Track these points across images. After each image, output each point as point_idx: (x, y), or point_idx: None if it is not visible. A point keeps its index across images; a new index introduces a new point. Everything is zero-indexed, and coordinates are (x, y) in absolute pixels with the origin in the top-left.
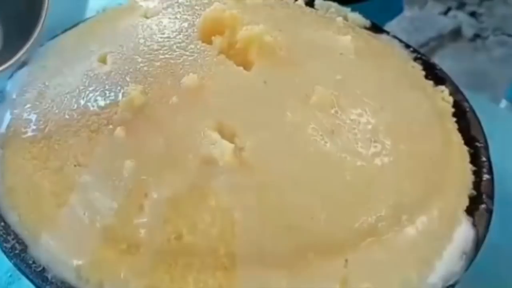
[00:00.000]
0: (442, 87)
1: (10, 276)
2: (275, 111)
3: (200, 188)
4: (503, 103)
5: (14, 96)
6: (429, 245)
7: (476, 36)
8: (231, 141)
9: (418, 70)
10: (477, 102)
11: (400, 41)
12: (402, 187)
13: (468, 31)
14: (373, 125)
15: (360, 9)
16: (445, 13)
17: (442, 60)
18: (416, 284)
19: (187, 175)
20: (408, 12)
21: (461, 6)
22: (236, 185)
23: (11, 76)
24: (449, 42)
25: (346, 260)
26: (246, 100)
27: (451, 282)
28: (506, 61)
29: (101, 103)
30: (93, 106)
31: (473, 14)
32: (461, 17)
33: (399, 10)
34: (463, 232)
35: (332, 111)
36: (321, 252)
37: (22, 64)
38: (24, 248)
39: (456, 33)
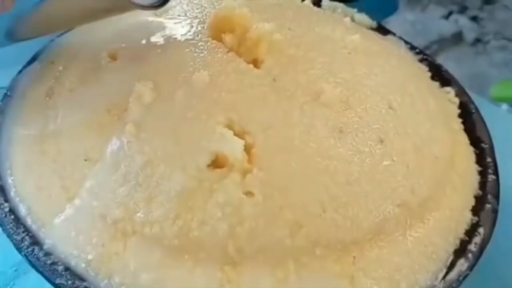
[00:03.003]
0: (448, 89)
1: (16, 270)
2: (285, 109)
3: (210, 184)
4: (504, 106)
5: (23, 91)
6: (435, 244)
7: (477, 40)
8: (241, 138)
9: (424, 71)
10: (478, 104)
11: (406, 42)
12: (409, 187)
13: (469, 35)
14: (381, 124)
15: (353, 6)
16: (447, 17)
17: (444, 64)
18: (422, 283)
19: (197, 170)
20: (409, 16)
21: (462, 10)
22: (246, 181)
23: (20, 71)
24: (451, 46)
25: (354, 257)
26: (255, 98)
27: (456, 281)
28: (507, 65)
29: (111, 99)
30: (103, 102)
31: (474, 19)
32: (462, 21)
33: (393, 9)
34: (469, 231)
35: (341, 110)
36: (329, 248)
37: (32, 60)
38: (34, 241)
39: (457, 37)
